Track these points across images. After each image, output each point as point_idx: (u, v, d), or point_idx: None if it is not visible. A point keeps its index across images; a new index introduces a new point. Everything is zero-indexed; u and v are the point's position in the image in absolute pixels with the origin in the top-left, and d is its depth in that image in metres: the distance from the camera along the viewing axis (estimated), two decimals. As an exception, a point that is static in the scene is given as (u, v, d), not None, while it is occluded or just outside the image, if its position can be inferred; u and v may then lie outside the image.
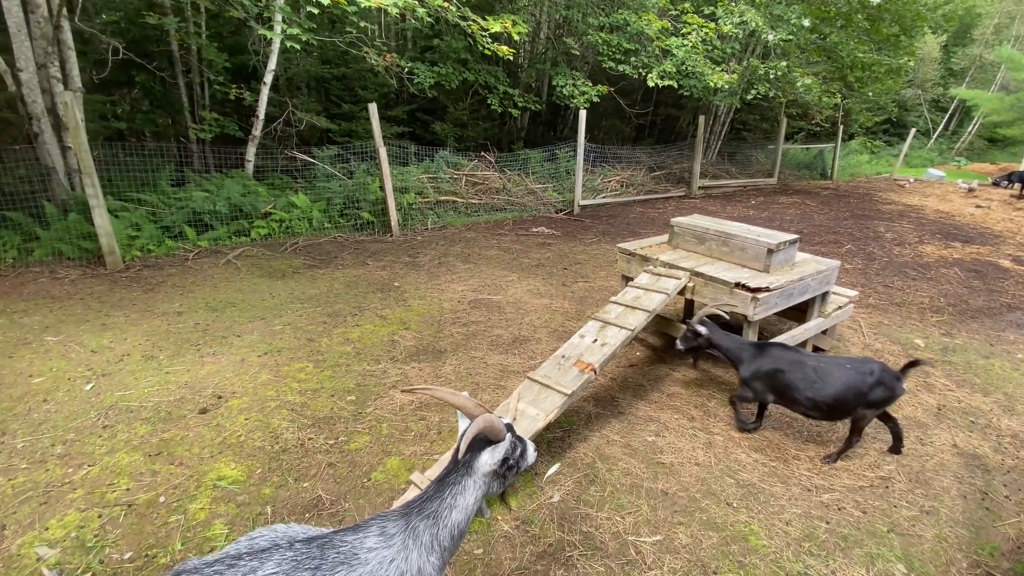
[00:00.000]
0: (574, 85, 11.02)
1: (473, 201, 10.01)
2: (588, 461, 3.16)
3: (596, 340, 3.46)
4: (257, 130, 8.92)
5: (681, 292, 4.03)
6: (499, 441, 1.68)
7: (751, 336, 3.80)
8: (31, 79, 6.48)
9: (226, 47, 9.70)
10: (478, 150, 11.36)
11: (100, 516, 2.56)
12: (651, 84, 10.64)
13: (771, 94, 12.36)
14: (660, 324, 4.43)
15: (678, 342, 3.75)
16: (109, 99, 9.49)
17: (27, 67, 6.41)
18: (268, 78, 8.65)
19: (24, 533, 2.45)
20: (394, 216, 8.38)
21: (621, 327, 3.53)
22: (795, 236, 4.18)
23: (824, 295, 4.31)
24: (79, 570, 2.27)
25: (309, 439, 3.22)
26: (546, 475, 3.02)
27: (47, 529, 2.48)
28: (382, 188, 8.32)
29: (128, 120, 9.70)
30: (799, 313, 4.44)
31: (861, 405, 3.09)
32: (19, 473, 2.84)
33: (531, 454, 1.84)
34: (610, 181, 12.25)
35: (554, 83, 11.26)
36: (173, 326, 4.68)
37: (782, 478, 3.10)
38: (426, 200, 9.45)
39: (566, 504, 2.81)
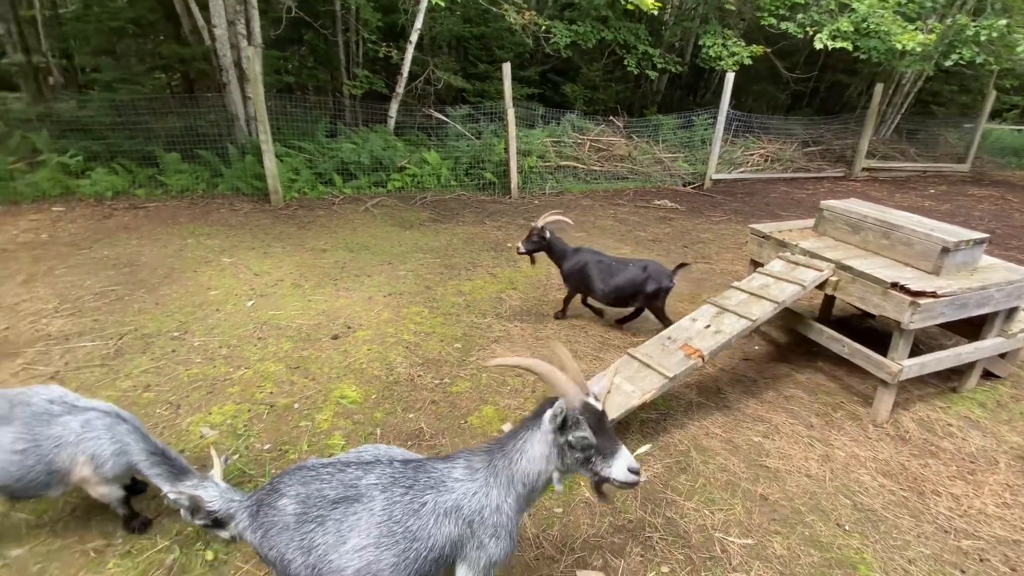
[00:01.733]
0: (724, 45, 9.98)
1: (594, 168, 9.74)
2: (682, 449, 3.03)
3: (709, 326, 3.24)
4: (400, 87, 9.50)
5: (821, 286, 3.58)
6: (571, 407, 1.60)
7: (903, 348, 3.26)
8: (223, 35, 7.54)
9: (380, 6, 10.32)
10: (607, 114, 10.93)
11: (249, 411, 3.08)
12: (819, 46, 9.23)
13: (979, 60, 10.02)
14: (788, 319, 3.99)
15: (520, 244, 4.26)
16: (282, 55, 10.71)
17: (220, 24, 7.46)
18: (414, 37, 9.07)
19: (193, 414, 3.04)
20: (515, 178, 8.49)
21: (741, 316, 3.25)
22: (983, 235, 3.43)
23: (1011, 311, 3.53)
24: (230, 450, 2.78)
25: (418, 376, 3.52)
26: (635, 453, 2.96)
27: (210, 414, 3.05)
28: (506, 150, 8.45)
29: (296, 75, 10.89)
30: (972, 328, 3.71)
31: (640, 294, 4.03)
32: (194, 365, 3.50)
33: (617, 466, 1.58)
34: (752, 154, 11.08)
35: (701, 42, 10.30)
36: (318, 261, 5.34)
37: (913, 512, 2.69)
38: (547, 164, 9.41)
39: (652, 486, 2.75)
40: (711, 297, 3.71)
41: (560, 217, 4.28)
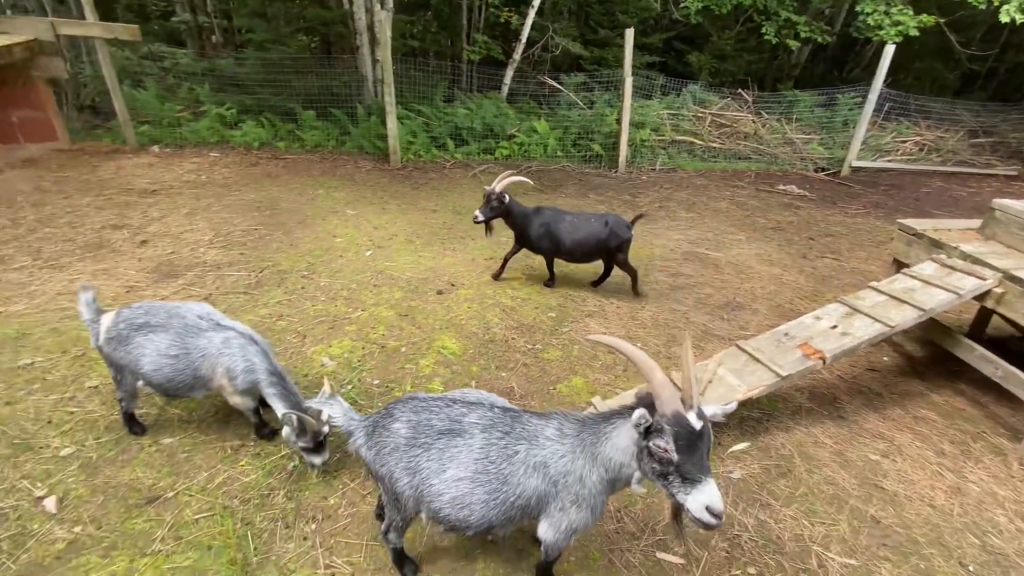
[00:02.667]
0: (886, 12, 8.63)
1: (713, 145, 9.07)
2: (785, 453, 2.83)
3: (836, 327, 2.93)
4: (517, 54, 9.46)
5: (979, 298, 3.08)
6: (660, 412, 1.47)
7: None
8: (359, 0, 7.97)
9: (504, -31, 10.25)
10: (734, 87, 10.05)
11: (363, 348, 3.37)
12: (1004, 19, 7.65)
13: None
14: (931, 331, 3.49)
15: (478, 212, 3.99)
16: (409, 19, 11.12)
17: (359, -11, 7.88)
18: (536, 1, 8.93)
19: (316, 344, 3.40)
20: (624, 152, 8.18)
21: (875, 320, 2.90)
22: None
23: None
24: (345, 381, 3.08)
25: (512, 338, 3.61)
26: (731, 448, 2.82)
27: (330, 347, 3.39)
28: (618, 121, 8.13)
29: (420, 39, 11.26)
30: None
31: (603, 248, 4.06)
32: (319, 302, 3.89)
33: (696, 497, 1.41)
34: (905, 141, 9.63)
35: (858, 7, 8.99)
36: (428, 220, 5.61)
37: (1068, 570, 2.30)
38: (660, 138, 8.93)
39: (747, 484, 2.61)
40: (840, 296, 3.35)
41: (518, 178, 4.14)
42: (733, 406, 1.60)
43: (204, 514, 2.20)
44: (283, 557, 2.06)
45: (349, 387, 3.03)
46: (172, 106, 8.04)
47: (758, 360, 2.81)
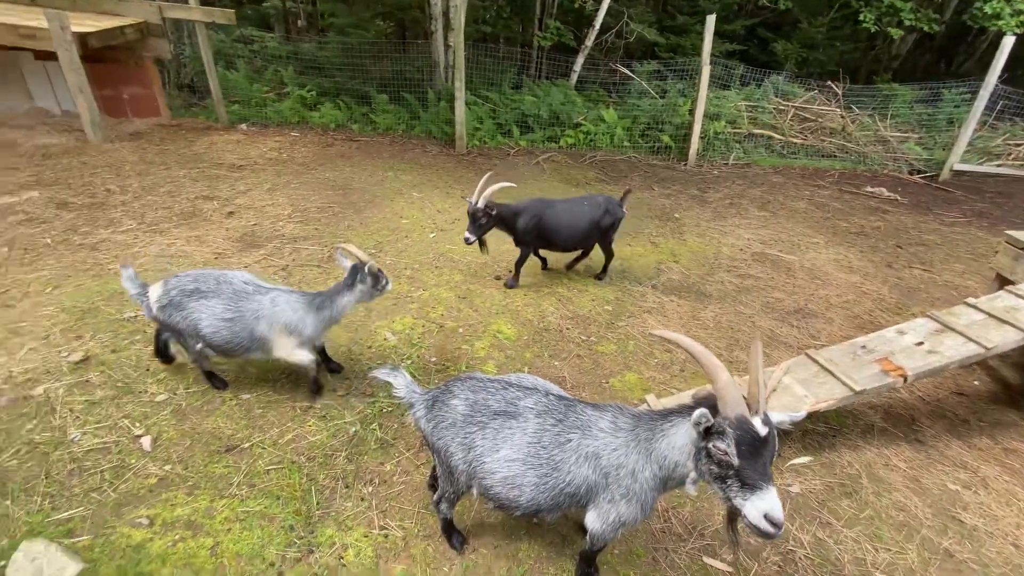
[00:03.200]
0: (1007, 0, 7.69)
1: (794, 140, 8.52)
2: (851, 472, 2.67)
3: (923, 344, 2.71)
4: (589, 40, 9.28)
5: (1099, 323, 2.73)
6: (723, 414, 1.43)
7: None
8: (438, -15, 8.08)
9: (583, -47, 10.01)
10: (823, 78, 9.35)
11: (423, 327, 3.50)
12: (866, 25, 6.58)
13: None
14: (1035, 356, 3.16)
15: (468, 234, 3.71)
16: (483, 4, 11.16)
17: (437, -26, 7.99)
18: (613, -15, 8.68)
19: (380, 320, 3.55)
20: (695, 144, 7.86)
21: (970, 339, 2.65)
22: None
23: None
24: (405, 356, 3.21)
25: (567, 328, 3.62)
26: (791, 461, 2.70)
27: (393, 323, 3.54)
28: (691, 112, 7.81)
29: (492, 25, 11.28)
30: None
31: (596, 229, 3.90)
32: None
33: (754, 504, 1.38)
34: (1020, 144, 8.61)
35: (978, -7, 8.07)
36: (489, 205, 5.69)
37: None
38: (736, 131, 8.50)
39: (805, 500, 2.49)
40: (929, 310, 3.09)
41: (499, 186, 3.75)
42: (803, 414, 1.54)
43: (274, 466, 2.39)
44: (342, 514, 2.21)
45: (408, 362, 3.16)
46: (260, 87, 8.57)
47: (830, 372, 2.65)
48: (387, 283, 2.79)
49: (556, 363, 3.26)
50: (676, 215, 5.89)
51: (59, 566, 1.84)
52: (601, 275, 4.31)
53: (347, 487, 2.33)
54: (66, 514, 2.08)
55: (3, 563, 1.86)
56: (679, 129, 8.23)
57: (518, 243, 3.95)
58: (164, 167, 5.89)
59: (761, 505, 1.37)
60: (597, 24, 9.06)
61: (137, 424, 2.52)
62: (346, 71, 8.81)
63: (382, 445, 2.57)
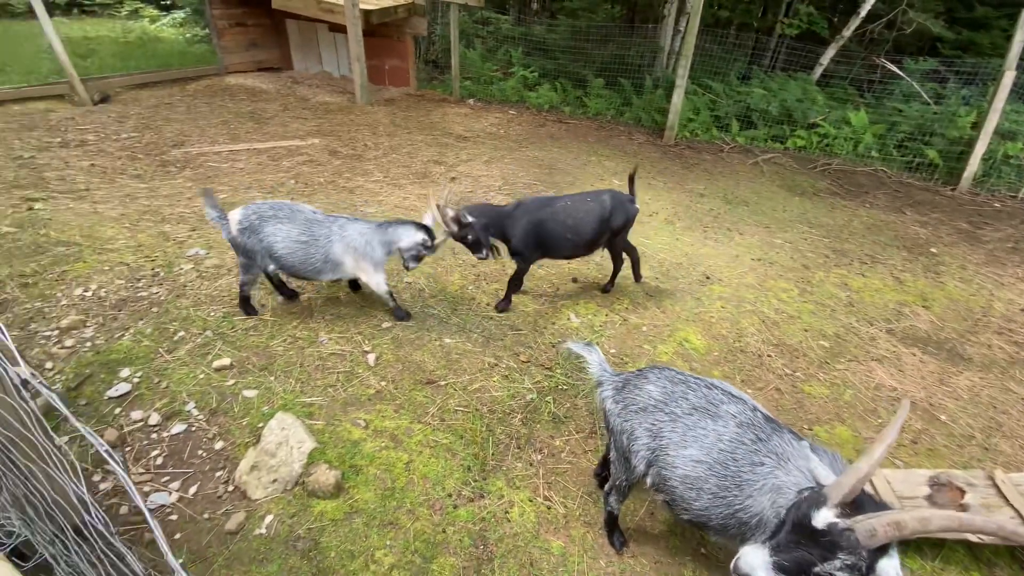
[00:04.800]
0: None
1: None
2: None
3: None
4: (849, 30, 7.93)
5: None
6: None
7: None
8: (682, -33, 7.66)
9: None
10: None
11: (606, 316, 3.47)
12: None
13: None
14: None
15: (476, 255, 3.20)
16: (723, -13, 10.29)
17: (685, -45, 7.56)
18: (900, -37, 7.21)
19: (566, 300, 3.62)
20: (973, 166, 6.22)
21: None
22: None
23: None
24: (585, 342, 3.22)
25: (768, 356, 3.22)
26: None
27: (578, 305, 3.58)
28: (976, 126, 6.16)
29: (730, 9, 10.37)
30: None
31: (606, 230, 3.28)
32: (574, 262, 4.11)
33: None
34: None
35: None
36: (693, 204, 5.33)
37: None
38: (1046, 157, 6.46)
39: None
40: None
41: (445, 189, 3.30)
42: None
43: (462, 408, 2.64)
44: (511, 471, 2.34)
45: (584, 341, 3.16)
46: (490, 66, 9.31)
47: None
48: (436, 243, 3.01)
49: (749, 391, 2.94)
50: (933, 250, 4.77)
51: (299, 439, 2.31)
52: (608, 286, 3.73)
53: (519, 448, 2.46)
54: (309, 399, 2.61)
55: (262, 424, 2.41)
56: (953, 145, 6.59)
57: (513, 255, 3.31)
58: (407, 131, 6.83)
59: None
60: (863, 11, 7.67)
61: (366, 342, 3.02)
62: (568, 54, 9.03)
63: (554, 419, 2.65)
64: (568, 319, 3.43)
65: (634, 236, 4.55)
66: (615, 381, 1.88)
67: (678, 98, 6.99)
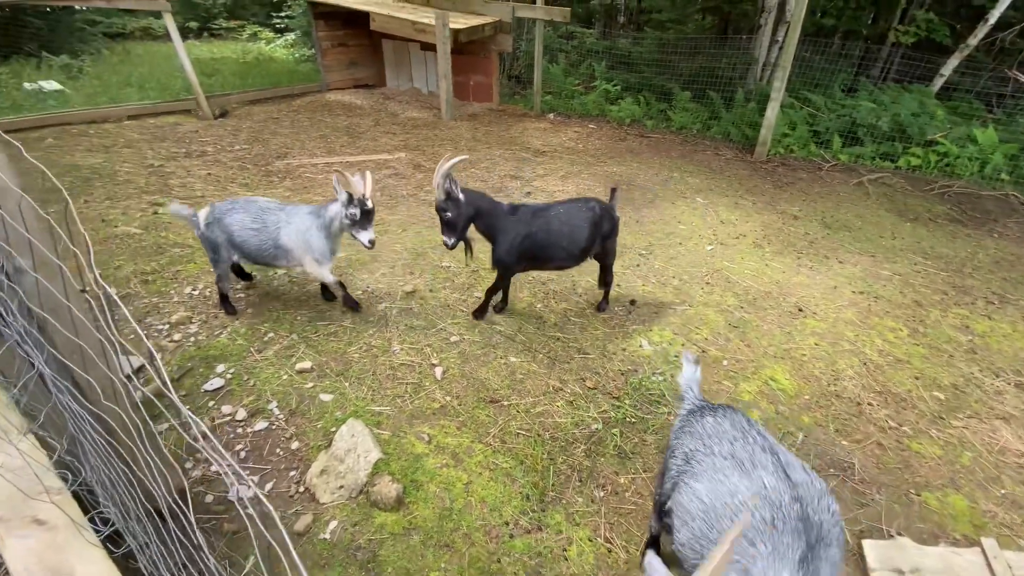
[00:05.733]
0: None
1: None
2: None
3: None
4: (976, 38, 7.03)
5: None
6: None
7: None
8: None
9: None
10: None
11: (682, 344, 3.28)
12: None
13: None
14: None
15: (445, 236, 2.91)
16: (827, -7, 9.55)
17: (787, -38, 7.11)
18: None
19: (638, 324, 3.46)
20: None
21: None
22: None
23: None
24: (658, 371, 3.06)
25: (869, 403, 2.88)
26: None
27: (651, 331, 3.41)
28: None
29: (836, 17, 9.61)
30: None
31: (597, 236, 3.12)
32: (649, 284, 3.94)
33: None
34: None
35: None
36: (786, 226, 4.94)
37: None
38: None
39: None
40: None
41: (458, 159, 2.80)
42: None
43: (523, 432, 2.59)
44: (571, 506, 2.25)
45: (660, 378, 3.01)
46: (572, 80, 9.31)
47: None
48: (357, 209, 2.89)
49: (844, 443, 2.63)
50: (1083, 292, 4.05)
51: (367, 448, 2.37)
52: (603, 304, 3.56)
53: (580, 481, 2.37)
54: (378, 408, 2.69)
55: (334, 429, 2.51)
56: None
57: (496, 262, 3.08)
58: (487, 145, 6.97)
59: None
60: (992, 18, 6.77)
61: (435, 355, 3.07)
62: (654, 66, 8.81)
63: (620, 454, 2.52)
64: (640, 346, 3.28)
65: (719, 257, 4.30)
66: (694, 403, 1.86)
67: (772, 112, 6.55)
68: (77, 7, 15.00)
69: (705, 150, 7.14)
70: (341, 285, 3.31)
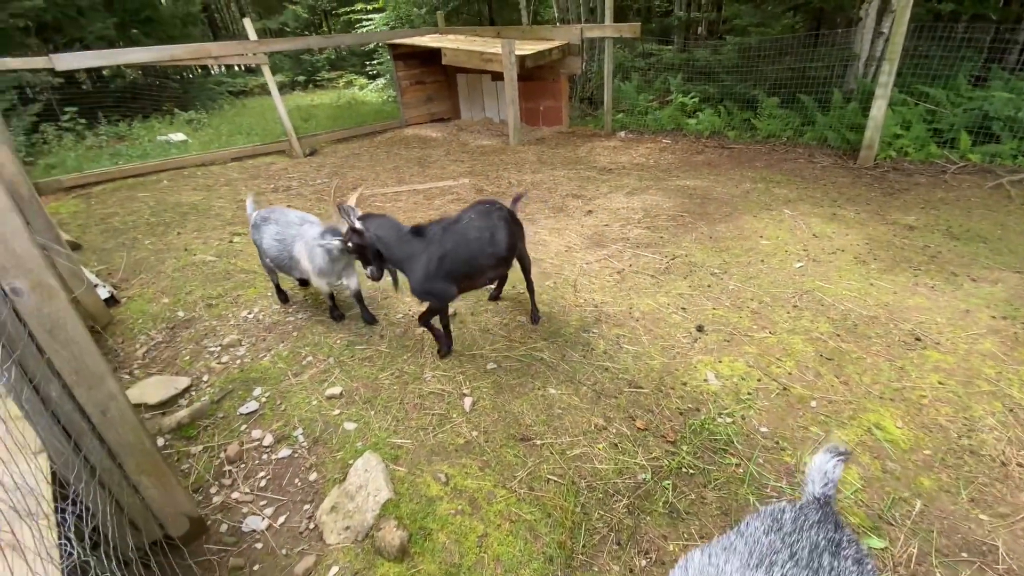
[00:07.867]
0: None
1: None
2: None
3: None
4: None
5: None
6: None
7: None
8: (887, -43, 6.36)
9: None
10: None
11: (758, 380, 2.74)
12: None
13: None
14: None
15: (367, 269, 2.84)
16: (949, -25, 8.31)
17: (890, -57, 6.27)
18: None
19: (704, 354, 2.98)
20: None
21: None
22: None
23: None
24: (725, 411, 2.56)
25: (1020, 465, 2.15)
26: None
27: (719, 362, 2.91)
28: None
29: (956, 1, 8.32)
30: None
31: (517, 241, 3.00)
32: (721, 306, 3.42)
33: None
34: None
35: None
36: (898, 239, 4.13)
37: None
38: None
39: None
40: None
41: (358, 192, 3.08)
42: None
43: (556, 477, 2.25)
44: (605, 575, 1.86)
45: (728, 420, 2.51)
46: (646, 96, 8.91)
47: None
48: (331, 240, 3.00)
49: (983, 518, 1.96)
50: None
51: (378, 486, 2.17)
52: (536, 315, 3.35)
53: (618, 545, 1.96)
54: (399, 440, 2.49)
55: (352, 461, 2.35)
56: None
57: (417, 296, 2.80)
58: (551, 167, 6.80)
59: None
60: None
61: (467, 383, 2.84)
62: (734, 74, 8.16)
63: (671, 512, 2.08)
64: (705, 380, 2.79)
65: (810, 276, 3.66)
66: (823, 498, 1.36)
67: (879, 110, 5.68)
68: (213, 71, 17.44)
69: (796, 158, 6.36)
70: (359, 297, 3.43)
